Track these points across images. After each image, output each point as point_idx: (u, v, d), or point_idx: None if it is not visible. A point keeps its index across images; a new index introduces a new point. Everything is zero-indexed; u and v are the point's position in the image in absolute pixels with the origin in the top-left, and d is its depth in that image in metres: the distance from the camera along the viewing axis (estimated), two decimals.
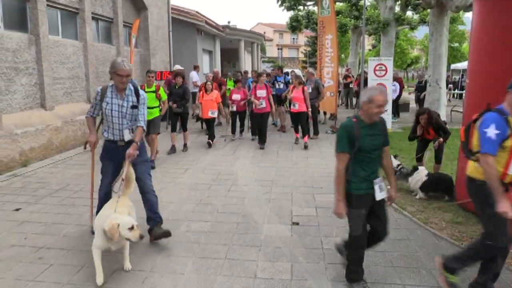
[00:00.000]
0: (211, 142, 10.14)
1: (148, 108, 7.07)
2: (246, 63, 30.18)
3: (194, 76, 14.66)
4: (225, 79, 15.21)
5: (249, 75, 15.71)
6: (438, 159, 6.77)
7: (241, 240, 4.61)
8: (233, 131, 11.11)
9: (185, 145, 9.64)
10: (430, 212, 5.48)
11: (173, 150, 9.29)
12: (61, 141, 9.24)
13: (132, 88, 4.36)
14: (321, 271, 3.89)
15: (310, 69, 11.88)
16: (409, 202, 5.88)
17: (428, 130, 6.72)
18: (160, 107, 8.21)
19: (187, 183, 6.87)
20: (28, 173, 7.49)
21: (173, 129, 9.41)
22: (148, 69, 8.71)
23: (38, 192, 6.35)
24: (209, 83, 10.14)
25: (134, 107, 4.31)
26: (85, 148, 4.85)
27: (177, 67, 12.45)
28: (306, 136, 10.03)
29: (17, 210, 5.57)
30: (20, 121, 8.09)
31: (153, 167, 7.24)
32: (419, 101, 15.61)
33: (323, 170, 7.74)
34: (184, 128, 9.64)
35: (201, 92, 10.19)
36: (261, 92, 9.97)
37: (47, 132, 8.72)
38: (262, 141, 9.95)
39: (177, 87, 9.12)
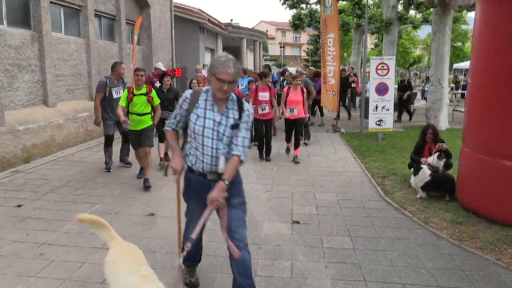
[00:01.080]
0: None
1: (138, 115, 6.44)
2: (248, 61, 30.18)
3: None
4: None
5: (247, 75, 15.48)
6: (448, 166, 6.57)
7: None
8: None
9: (165, 154, 8.12)
10: (431, 211, 5.49)
11: (163, 161, 7.93)
12: (63, 138, 9.26)
13: (235, 98, 3.09)
14: (321, 270, 3.91)
15: (299, 68, 11.73)
16: (409, 201, 5.88)
17: (431, 150, 6.65)
18: (152, 114, 6.75)
19: None
20: (30, 169, 7.52)
21: (162, 140, 7.95)
22: (137, 66, 7.32)
23: (40, 189, 6.38)
24: (195, 81, 8.74)
25: (235, 126, 3.01)
26: (165, 174, 3.43)
27: (159, 65, 11.00)
28: (298, 149, 8.60)
29: (19, 206, 5.60)
30: (22, 118, 8.12)
31: (148, 187, 6.37)
32: (402, 101, 15.09)
33: (324, 169, 7.75)
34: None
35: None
36: (264, 95, 8.48)
37: (49, 129, 8.75)
38: (268, 152, 8.61)
39: (165, 90, 7.82)
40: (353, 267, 3.97)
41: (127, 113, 6.38)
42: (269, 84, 8.97)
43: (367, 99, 14.51)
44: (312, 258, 4.16)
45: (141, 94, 6.44)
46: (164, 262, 4.04)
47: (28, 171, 7.42)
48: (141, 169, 7.02)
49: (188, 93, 3.13)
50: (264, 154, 8.65)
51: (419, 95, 21.03)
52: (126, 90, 6.42)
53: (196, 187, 3.14)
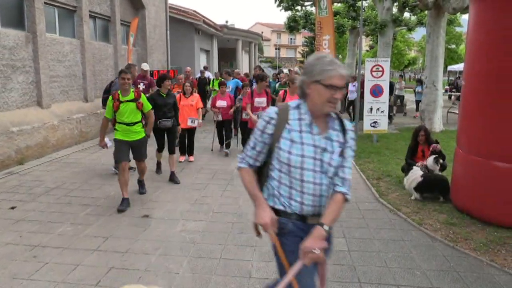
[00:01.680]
0: (191, 158, 8.48)
1: (127, 124, 5.61)
2: (243, 62, 30.20)
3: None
4: (208, 80, 14.77)
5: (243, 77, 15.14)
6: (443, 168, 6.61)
7: (236, 240, 4.62)
8: (221, 143, 9.38)
9: (172, 173, 6.99)
10: (425, 213, 5.51)
11: (159, 168, 7.46)
12: (57, 139, 9.22)
13: (334, 115, 2.29)
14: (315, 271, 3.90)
15: (296, 69, 11.58)
16: (404, 203, 5.90)
17: (424, 152, 6.71)
18: (143, 123, 5.85)
19: (183, 183, 6.87)
20: (24, 171, 7.48)
21: (160, 149, 7.24)
22: (121, 69, 6.00)
23: (34, 191, 6.34)
24: (188, 84, 8.09)
25: (342, 153, 2.25)
26: (258, 234, 2.49)
27: (144, 66, 9.89)
28: None
29: (13, 208, 5.56)
30: (16, 119, 8.07)
31: (143, 192, 6.21)
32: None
33: None
34: (171, 150, 7.07)
35: (178, 96, 7.88)
36: (260, 101, 7.73)
37: (43, 130, 8.71)
38: None
39: (164, 94, 6.86)
40: (347, 268, 3.98)
41: (114, 122, 5.69)
42: (266, 88, 8.36)
43: (351, 102, 14.52)
44: None
45: (129, 101, 5.54)
46: (158, 265, 4.03)
47: (21, 172, 7.38)
48: (123, 200, 5.63)
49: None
50: None
51: (410, 97, 20.99)
52: (110, 97, 5.60)
53: (296, 234, 2.27)
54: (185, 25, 19.93)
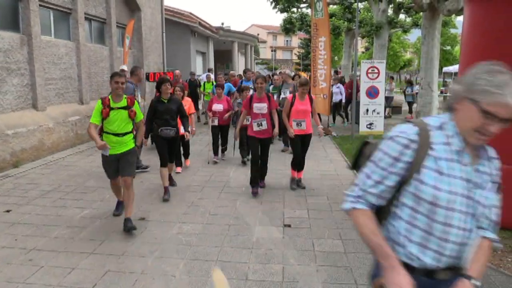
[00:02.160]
0: (187, 162, 8.19)
1: (116, 135, 4.87)
2: (239, 64, 30.22)
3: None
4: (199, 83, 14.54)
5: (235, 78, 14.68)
6: None
7: (232, 242, 4.61)
8: (215, 152, 8.65)
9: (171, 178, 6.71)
10: None
11: (168, 194, 6.12)
12: (52, 142, 9.18)
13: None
14: (312, 273, 3.91)
15: (287, 71, 11.35)
16: None
17: None
18: (134, 133, 5.15)
19: (179, 185, 6.86)
20: (19, 174, 7.44)
21: (164, 163, 6.12)
22: (115, 71, 5.19)
23: (29, 194, 6.31)
24: (178, 88, 7.10)
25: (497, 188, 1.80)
26: None
27: (123, 68, 9.29)
28: (302, 171, 6.92)
29: (8, 211, 5.53)
30: (11, 122, 8.03)
31: (132, 228, 4.76)
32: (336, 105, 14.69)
33: (315, 172, 7.77)
34: (171, 159, 6.48)
35: None
36: (260, 107, 6.35)
37: (38, 133, 8.67)
38: (262, 176, 6.80)
39: (165, 100, 6.08)
40: (344, 270, 3.98)
41: (101, 132, 4.91)
42: (268, 92, 7.65)
43: (335, 104, 14.53)
44: (304, 261, 4.16)
45: (121, 108, 4.84)
46: (154, 267, 4.02)
47: (17, 175, 7.34)
48: (118, 203, 5.47)
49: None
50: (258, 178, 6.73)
51: (400, 98, 21.01)
52: (99, 101, 4.85)
53: None
54: (181, 27, 19.93)
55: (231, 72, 15.62)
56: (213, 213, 5.54)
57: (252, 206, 5.86)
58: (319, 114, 13.32)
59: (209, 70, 15.91)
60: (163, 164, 6.10)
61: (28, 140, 8.35)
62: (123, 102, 4.89)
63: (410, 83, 18.20)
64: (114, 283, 3.70)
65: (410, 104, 17.73)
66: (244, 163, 8.39)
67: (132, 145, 5.02)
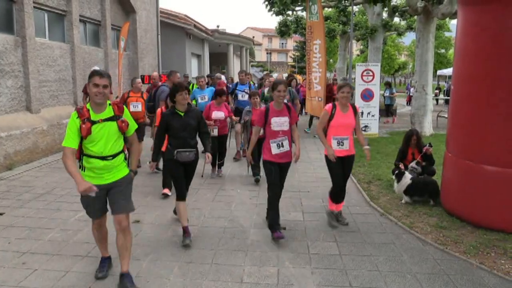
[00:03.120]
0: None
1: (102, 158, 3.51)
2: (235, 67, 30.24)
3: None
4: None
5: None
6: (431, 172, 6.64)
7: (227, 245, 4.60)
8: (214, 164, 7.70)
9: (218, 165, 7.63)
10: (415, 216, 5.54)
11: (189, 237, 4.63)
12: (47, 144, 9.14)
13: None
14: (307, 276, 3.91)
15: (280, 75, 9.94)
16: (394, 207, 5.93)
17: (414, 155, 6.78)
18: (126, 154, 3.81)
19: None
20: (13, 176, 7.39)
21: (182, 195, 4.72)
22: (94, 70, 3.72)
23: (23, 196, 6.27)
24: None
25: None
26: None
27: (95, 68, 9.20)
28: (342, 203, 5.37)
29: (1, 214, 5.49)
30: (5, 124, 7.99)
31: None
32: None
33: (310, 175, 7.78)
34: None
35: (159, 111, 6.33)
36: (281, 122, 4.83)
37: (32, 135, 8.63)
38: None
39: (181, 112, 4.64)
40: (339, 272, 3.98)
41: (79, 156, 3.53)
42: (289, 103, 6.62)
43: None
44: (299, 264, 4.16)
45: (107, 120, 3.51)
46: (149, 270, 4.00)
47: (10, 178, 7.29)
48: (103, 260, 3.99)
49: None
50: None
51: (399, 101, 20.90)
52: (73, 115, 3.43)
53: None
54: (176, 30, 19.92)
55: (217, 74, 13.98)
56: (208, 216, 5.53)
57: (247, 209, 5.85)
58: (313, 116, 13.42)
59: (208, 76, 14.96)
60: (180, 197, 4.69)
61: (22, 142, 8.30)
62: (109, 111, 3.53)
63: (388, 84, 17.40)
64: (108, 286, 3.68)
65: (388, 107, 16.79)
66: (257, 181, 7.20)
67: (126, 170, 3.69)
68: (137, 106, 7.92)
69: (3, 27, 8.32)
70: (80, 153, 3.51)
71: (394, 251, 4.48)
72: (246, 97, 9.15)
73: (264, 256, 4.33)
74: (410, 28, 23.03)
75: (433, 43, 13.07)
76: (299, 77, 14.98)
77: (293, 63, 49.87)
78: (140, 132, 7.43)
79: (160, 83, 8.55)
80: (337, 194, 5.20)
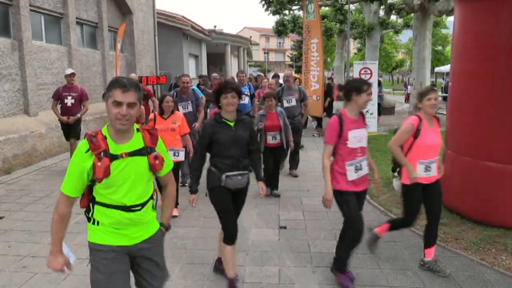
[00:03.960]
0: (175, 212, 5.60)
1: (126, 209, 2.36)
2: (232, 67, 30.23)
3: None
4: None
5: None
6: None
7: None
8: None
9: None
10: None
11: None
12: (45, 147, 9.12)
13: None
14: (308, 275, 3.91)
15: (289, 72, 9.06)
16: (395, 204, 5.93)
17: None
18: (155, 199, 2.59)
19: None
20: (12, 180, 7.38)
21: (231, 236, 3.55)
22: (115, 79, 2.26)
23: (22, 200, 6.25)
24: (169, 99, 5.34)
25: None
26: None
27: (69, 71, 7.84)
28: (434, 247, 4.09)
29: (1, 218, 5.48)
30: (3, 128, 7.97)
31: None
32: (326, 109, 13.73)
33: (310, 174, 7.78)
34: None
35: (152, 117, 5.53)
36: (361, 136, 3.66)
37: (31, 138, 8.60)
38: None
39: (231, 122, 3.51)
40: None
41: (88, 204, 2.49)
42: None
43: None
44: (300, 263, 4.16)
45: (133, 154, 2.33)
46: None
47: (9, 182, 7.27)
48: None
49: None
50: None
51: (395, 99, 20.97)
52: (82, 146, 2.30)
53: None
54: (173, 30, 19.90)
55: (214, 75, 12.34)
56: (208, 216, 5.52)
57: (247, 208, 5.83)
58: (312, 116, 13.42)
59: (200, 76, 12.86)
60: (230, 238, 3.51)
61: (20, 146, 8.28)
62: (136, 141, 2.35)
63: (378, 83, 17.08)
64: None
65: (378, 105, 16.21)
66: (277, 196, 6.42)
67: (156, 225, 2.54)
68: None
69: (0, 31, 8.30)
70: (90, 200, 2.42)
71: (395, 248, 4.48)
72: (246, 100, 8.36)
73: (265, 255, 4.33)
74: (407, 25, 23.03)
75: (430, 40, 13.10)
76: (297, 76, 15.01)
77: (291, 63, 49.86)
78: None
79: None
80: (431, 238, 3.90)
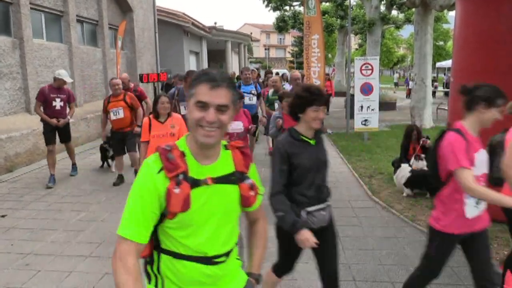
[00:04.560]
0: None
1: (210, 261, 1.64)
2: (233, 64, 30.21)
3: None
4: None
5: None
6: None
7: None
8: None
9: None
10: (418, 209, 5.54)
11: None
12: None
13: None
14: (310, 271, 3.91)
15: (297, 72, 8.91)
16: (396, 200, 5.93)
17: (415, 149, 6.80)
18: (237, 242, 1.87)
19: None
20: (14, 178, 7.39)
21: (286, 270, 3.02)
22: (204, 71, 1.58)
23: (24, 198, 6.27)
24: (165, 99, 4.93)
25: None
26: None
27: (60, 74, 7.02)
28: None
29: (3, 216, 5.49)
30: (4, 126, 7.98)
31: None
32: None
33: None
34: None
35: (146, 121, 4.99)
36: (485, 159, 2.80)
37: (32, 136, 8.61)
38: None
39: (311, 140, 2.69)
40: (342, 267, 3.98)
41: (150, 253, 1.66)
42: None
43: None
44: (301, 259, 4.15)
45: (221, 180, 1.63)
46: None
47: (11, 180, 7.29)
48: None
49: None
50: None
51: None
52: (149, 165, 1.57)
53: None
54: (173, 28, 19.87)
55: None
56: None
57: None
58: None
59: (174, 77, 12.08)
60: (284, 273, 3.01)
61: (22, 144, 8.30)
62: (225, 162, 1.69)
63: None
64: (112, 286, 3.67)
65: None
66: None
67: (243, 278, 1.85)
68: (118, 113, 6.69)
69: (0, 29, 8.30)
70: (153, 247, 1.65)
71: (397, 244, 4.49)
72: (254, 100, 7.58)
73: (267, 252, 4.32)
74: (408, 21, 22.98)
75: (431, 35, 13.05)
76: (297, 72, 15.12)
77: (292, 59, 49.79)
78: (131, 144, 6.81)
79: (132, 85, 7.75)
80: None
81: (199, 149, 1.59)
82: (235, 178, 1.67)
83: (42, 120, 6.95)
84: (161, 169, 1.53)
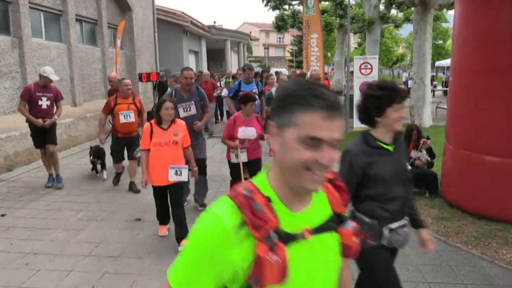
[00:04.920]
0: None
1: None
2: (232, 63, 30.20)
3: None
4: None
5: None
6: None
7: None
8: None
9: None
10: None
11: None
12: None
13: None
14: None
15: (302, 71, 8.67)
16: None
17: (416, 148, 6.79)
18: None
19: None
20: (13, 178, 7.39)
21: None
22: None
23: (24, 197, 6.27)
24: (169, 105, 4.34)
25: None
26: None
27: (46, 71, 6.58)
28: None
29: (3, 215, 5.49)
30: (4, 126, 7.98)
31: None
32: None
33: None
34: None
35: (147, 127, 4.44)
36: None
37: None
38: None
39: (390, 147, 2.34)
40: None
41: None
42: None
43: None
44: None
45: (320, 230, 1.17)
46: (152, 268, 4.01)
47: (11, 179, 7.29)
48: None
49: None
50: None
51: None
52: (220, 218, 1.06)
53: None
54: (173, 27, 19.86)
55: (205, 72, 11.46)
56: None
57: None
58: None
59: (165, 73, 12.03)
60: None
61: (22, 143, 8.29)
62: (320, 204, 1.23)
63: None
64: (111, 285, 3.70)
65: None
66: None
67: None
68: (129, 116, 6.31)
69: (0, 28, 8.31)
70: None
71: None
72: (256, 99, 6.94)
73: None
74: (407, 20, 22.97)
75: (430, 34, 13.04)
76: (297, 72, 14.96)
77: (291, 58, 49.75)
78: (135, 149, 6.41)
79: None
80: None
81: (293, 194, 1.13)
82: (334, 223, 1.24)
83: (27, 120, 6.52)
84: (241, 224, 1.05)
